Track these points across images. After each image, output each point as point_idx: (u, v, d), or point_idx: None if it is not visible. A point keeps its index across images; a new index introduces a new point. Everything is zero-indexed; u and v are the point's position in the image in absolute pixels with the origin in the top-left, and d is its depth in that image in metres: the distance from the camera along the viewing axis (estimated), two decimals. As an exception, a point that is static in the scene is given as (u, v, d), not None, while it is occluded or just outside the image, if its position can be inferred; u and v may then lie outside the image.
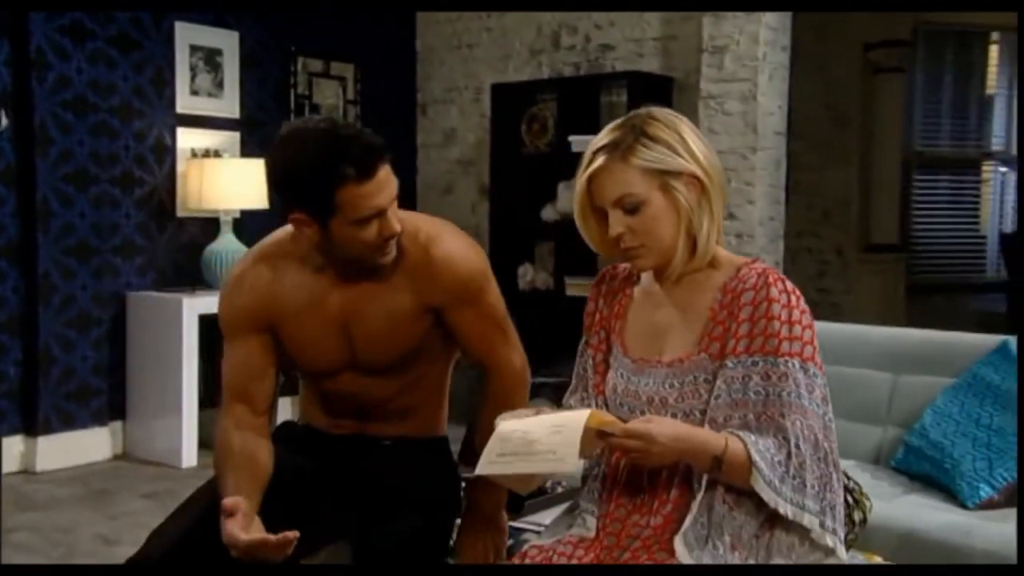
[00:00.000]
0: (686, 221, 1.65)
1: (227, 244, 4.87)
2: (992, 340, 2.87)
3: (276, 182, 1.81)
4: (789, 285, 1.62)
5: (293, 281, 1.94)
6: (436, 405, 2.08)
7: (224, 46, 5.22)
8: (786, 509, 1.54)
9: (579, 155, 5.69)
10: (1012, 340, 2.80)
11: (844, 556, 1.62)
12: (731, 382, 1.59)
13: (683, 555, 1.54)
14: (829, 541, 1.56)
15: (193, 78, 5.12)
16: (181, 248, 5.10)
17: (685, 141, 1.64)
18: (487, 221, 5.50)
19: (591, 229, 1.73)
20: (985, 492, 2.46)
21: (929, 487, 2.62)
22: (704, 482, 1.58)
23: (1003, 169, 7.35)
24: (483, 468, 1.57)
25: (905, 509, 2.46)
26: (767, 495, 1.53)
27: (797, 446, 1.55)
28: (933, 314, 5.94)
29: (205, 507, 1.90)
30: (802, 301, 1.61)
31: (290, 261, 1.96)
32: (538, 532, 2.04)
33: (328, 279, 1.93)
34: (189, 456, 4.69)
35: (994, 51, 7.44)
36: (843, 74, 6.19)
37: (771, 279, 1.61)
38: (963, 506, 2.49)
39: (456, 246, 1.93)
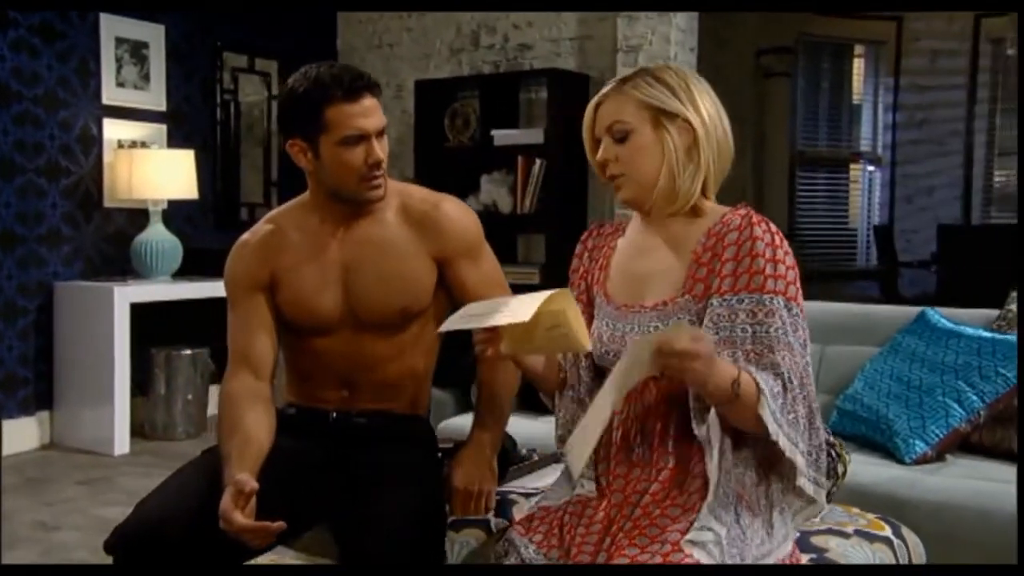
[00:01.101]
0: (670, 163, 1.58)
1: (156, 234, 4.62)
2: (911, 311, 2.91)
3: (280, 111, 1.85)
4: (773, 227, 1.54)
5: (295, 234, 1.92)
6: (421, 377, 1.97)
7: (150, 39, 4.94)
8: (784, 443, 1.44)
9: (501, 148, 5.66)
10: (931, 310, 2.85)
11: (825, 505, 1.57)
12: (718, 320, 1.50)
13: (712, 523, 1.46)
14: (810, 489, 1.49)
15: (119, 70, 4.83)
16: (108, 238, 4.81)
17: (690, 90, 1.58)
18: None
19: (593, 158, 1.66)
20: (920, 448, 2.49)
21: (864, 447, 2.63)
22: (712, 435, 1.50)
23: (871, 168, 7.60)
24: (446, 326, 1.51)
25: (851, 467, 2.45)
26: (772, 426, 1.43)
27: (789, 380, 1.46)
28: (819, 299, 6.07)
29: (192, 478, 1.78)
30: (785, 243, 1.53)
31: (294, 219, 1.94)
32: (524, 495, 1.96)
33: (330, 229, 1.89)
34: (121, 444, 4.41)
35: (858, 63, 7.70)
36: (737, 77, 6.27)
37: (754, 219, 1.53)
38: (900, 462, 2.50)
39: (460, 206, 1.95)
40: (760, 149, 6.64)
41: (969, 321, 2.76)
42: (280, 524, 1.59)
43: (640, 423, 1.59)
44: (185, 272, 4.74)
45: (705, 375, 1.39)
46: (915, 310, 2.91)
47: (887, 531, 1.70)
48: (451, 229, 1.89)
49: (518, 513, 1.88)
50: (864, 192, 7.59)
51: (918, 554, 1.76)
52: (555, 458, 2.12)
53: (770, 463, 1.53)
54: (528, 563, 1.53)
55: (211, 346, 4.88)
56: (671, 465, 1.54)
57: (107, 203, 4.78)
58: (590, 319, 1.71)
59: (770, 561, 1.48)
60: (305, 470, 1.83)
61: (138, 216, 4.78)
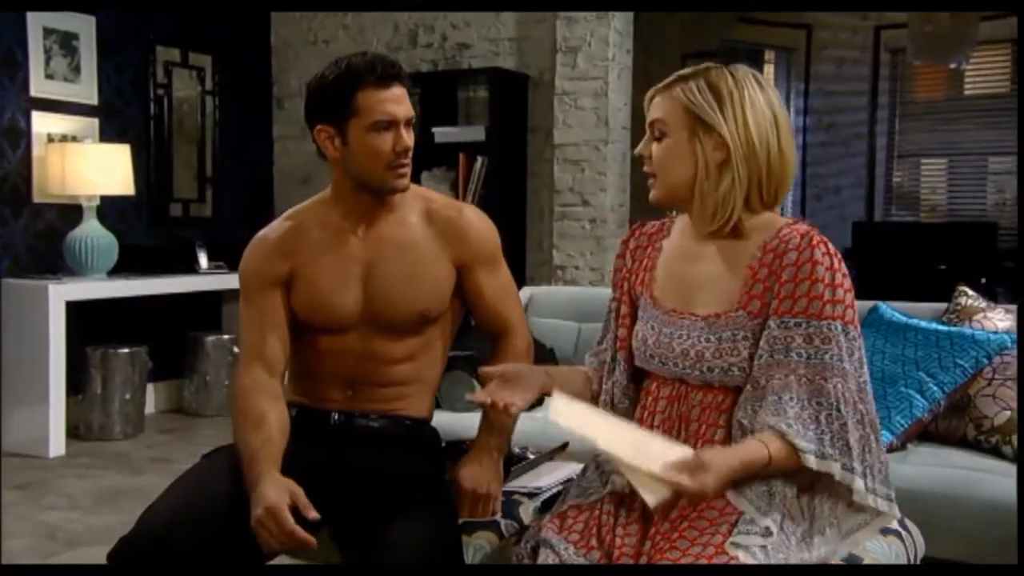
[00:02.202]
0: (700, 177, 1.50)
1: (91, 230, 4.34)
2: (862, 305, 2.91)
3: (309, 98, 1.79)
4: (832, 248, 1.48)
5: (316, 231, 1.83)
6: (430, 381, 1.88)
7: (80, 30, 4.64)
8: (834, 470, 1.41)
9: (442, 146, 5.54)
10: (883, 304, 2.85)
11: (897, 514, 1.53)
12: (773, 343, 1.45)
13: (754, 514, 1.40)
14: (872, 502, 1.45)
15: (48, 61, 4.52)
16: (38, 235, 4.51)
17: (740, 103, 1.48)
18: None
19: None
20: (887, 438, 2.48)
21: (827, 436, 2.61)
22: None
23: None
24: (565, 420, 1.47)
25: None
26: (819, 465, 1.41)
27: (838, 409, 1.42)
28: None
29: (197, 485, 1.64)
30: (843, 265, 1.48)
31: (315, 215, 1.85)
32: (527, 495, 1.86)
33: (352, 226, 1.81)
34: (57, 445, 4.14)
35: (769, 69, 7.80)
36: (663, 79, 6.23)
37: (815, 241, 1.47)
38: (866, 451, 2.49)
39: (481, 214, 1.90)
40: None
41: (919, 315, 2.77)
42: (313, 541, 1.53)
43: (684, 424, 1.53)
44: (119, 269, 4.47)
45: (728, 480, 1.38)
46: (865, 304, 2.91)
47: (894, 524, 1.66)
48: (474, 236, 1.85)
49: (524, 513, 1.79)
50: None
51: (920, 545, 1.73)
52: (550, 456, 2.04)
53: (810, 479, 1.47)
54: (567, 563, 1.43)
55: (149, 344, 4.63)
56: None
57: (36, 198, 4.47)
58: (633, 321, 1.63)
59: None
60: (306, 474, 1.69)
61: (70, 212, 4.49)
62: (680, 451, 1.41)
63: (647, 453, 1.39)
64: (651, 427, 1.55)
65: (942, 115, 7.45)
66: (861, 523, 1.50)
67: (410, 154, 1.77)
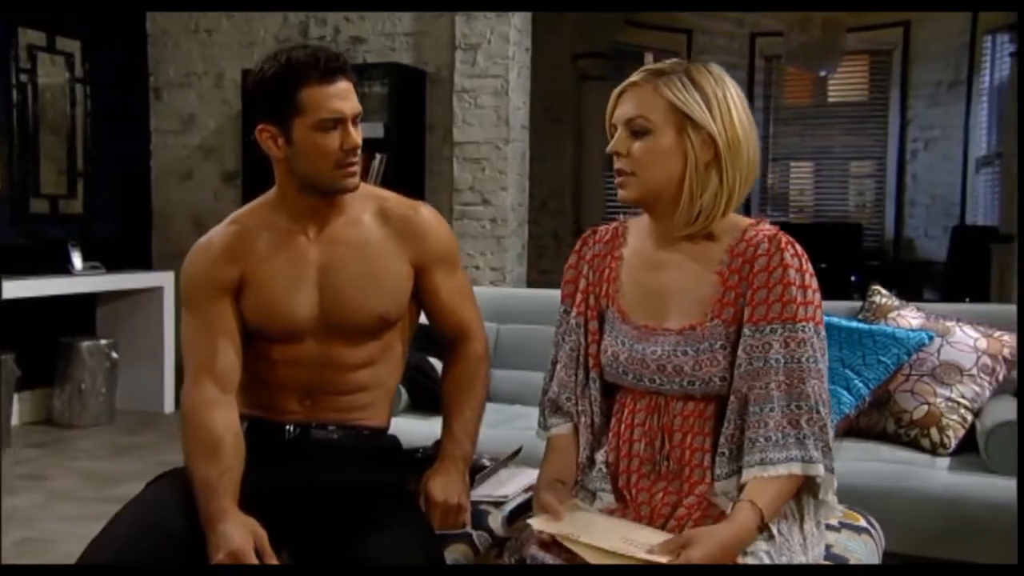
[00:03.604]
0: (691, 177, 1.46)
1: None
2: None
3: (249, 95, 1.72)
4: (799, 248, 1.47)
5: (264, 234, 1.69)
6: (389, 388, 1.78)
7: (-65, 9, 4.25)
8: (820, 472, 1.41)
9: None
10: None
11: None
12: (751, 351, 1.43)
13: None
14: (832, 500, 1.47)
15: (-102, 41, 4.12)
16: None
17: (725, 101, 1.45)
18: (235, 207, 4.96)
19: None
20: (816, 434, 2.54)
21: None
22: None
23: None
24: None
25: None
26: (805, 470, 1.40)
27: (817, 411, 1.42)
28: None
29: (142, 518, 1.50)
30: (810, 265, 1.48)
31: (260, 218, 1.71)
32: (494, 504, 1.79)
33: (301, 228, 1.69)
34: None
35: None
36: (557, 80, 6.28)
37: (783, 243, 1.45)
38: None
39: (436, 213, 1.81)
40: (579, 150, 6.73)
41: (835, 312, 2.85)
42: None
43: (667, 435, 1.49)
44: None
45: (717, 555, 1.33)
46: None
47: (862, 521, 1.69)
48: (432, 235, 1.74)
49: (493, 523, 1.72)
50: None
51: (882, 540, 1.77)
52: (505, 463, 1.97)
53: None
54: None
55: (16, 351, 4.29)
56: (707, 479, 1.46)
57: None
58: (599, 335, 1.58)
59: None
60: (262, 493, 1.57)
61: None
62: (664, 536, 1.39)
63: (634, 540, 1.37)
64: (630, 441, 1.52)
65: (809, 120, 7.82)
66: (827, 512, 1.51)
67: (359, 152, 1.67)
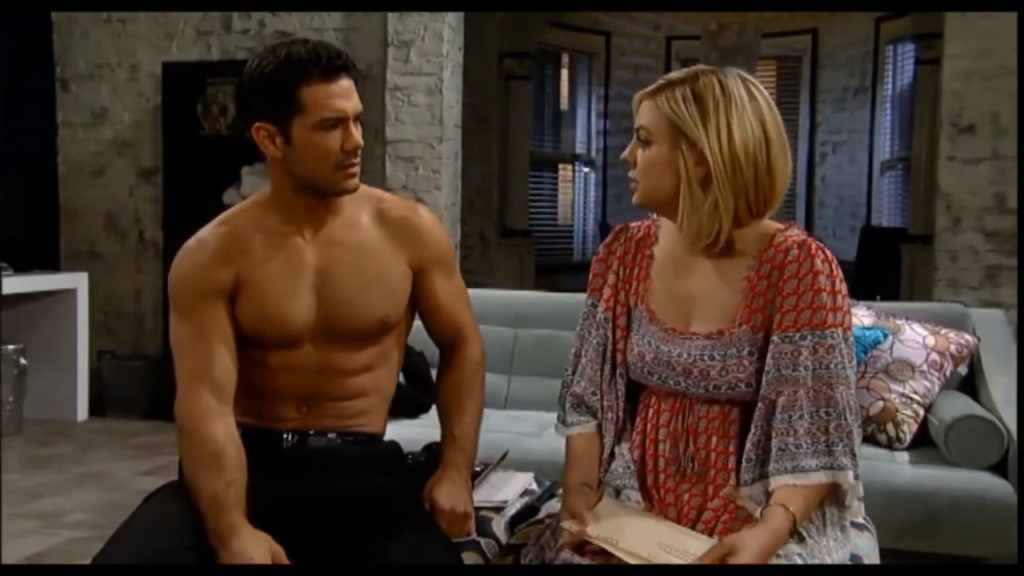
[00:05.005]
0: (684, 193, 1.44)
1: None
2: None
3: (243, 93, 1.59)
4: (829, 254, 1.47)
5: (257, 235, 1.63)
6: (387, 393, 1.72)
7: None
8: (848, 480, 1.42)
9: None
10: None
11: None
12: (780, 358, 1.42)
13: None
14: (858, 508, 1.50)
15: None
16: None
17: (725, 118, 1.41)
18: (153, 206, 4.82)
19: None
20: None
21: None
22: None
23: (585, 169, 7.96)
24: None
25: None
26: (832, 478, 1.41)
27: (844, 417, 1.43)
28: (555, 290, 6.26)
29: (147, 536, 1.42)
30: (839, 269, 1.47)
31: (253, 219, 1.64)
32: (494, 509, 1.76)
33: (297, 230, 1.63)
34: None
35: (564, 73, 8.01)
36: (483, 79, 6.24)
37: (813, 249, 1.45)
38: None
39: (434, 215, 1.78)
40: (504, 149, 6.71)
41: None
42: None
43: (692, 437, 1.48)
44: None
45: (766, 555, 1.34)
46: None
47: (861, 519, 1.71)
48: (430, 237, 1.71)
49: (497, 529, 1.69)
50: (580, 191, 7.93)
51: (875, 536, 1.80)
52: (494, 467, 1.94)
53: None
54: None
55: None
56: (732, 481, 1.45)
57: None
58: (627, 331, 1.56)
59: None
60: (264, 505, 1.49)
61: None
62: (705, 543, 1.37)
63: (672, 548, 1.36)
64: (656, 441, 1.51)
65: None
66: (850, 515, 1.52)
67: (360, 152, 1.61)
